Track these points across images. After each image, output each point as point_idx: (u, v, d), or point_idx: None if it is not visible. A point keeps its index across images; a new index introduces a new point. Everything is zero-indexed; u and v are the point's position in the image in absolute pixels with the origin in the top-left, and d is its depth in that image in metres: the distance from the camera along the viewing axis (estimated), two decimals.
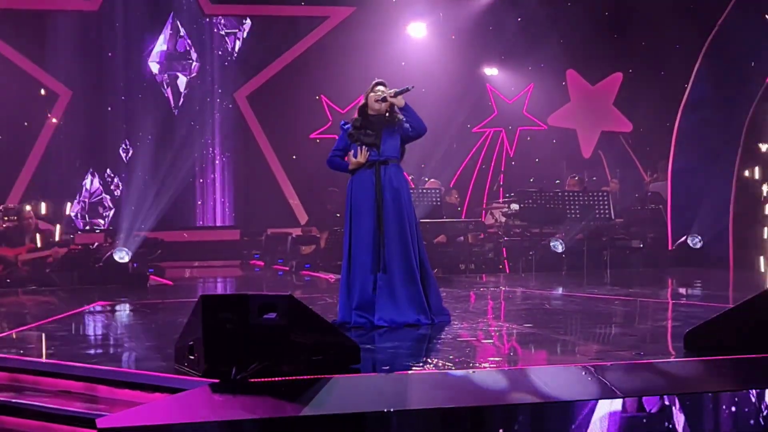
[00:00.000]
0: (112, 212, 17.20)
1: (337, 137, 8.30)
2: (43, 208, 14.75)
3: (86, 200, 17.28)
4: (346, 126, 8.12)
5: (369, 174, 7.96)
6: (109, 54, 17.31)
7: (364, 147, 7.95)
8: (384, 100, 7.96)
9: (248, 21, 17.87)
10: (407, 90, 8.01)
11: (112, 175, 17.37)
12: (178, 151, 17.95)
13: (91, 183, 17.33)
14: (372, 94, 8.02)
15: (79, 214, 17.22)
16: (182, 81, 17.72)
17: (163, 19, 17.62)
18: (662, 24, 16.72)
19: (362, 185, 7.98)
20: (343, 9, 17.63)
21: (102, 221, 17.34)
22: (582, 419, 5.15)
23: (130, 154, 17.34)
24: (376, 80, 8.15)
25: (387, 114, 8.01)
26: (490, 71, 18.06)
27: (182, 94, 17.73)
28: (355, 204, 8.01)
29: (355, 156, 7.99)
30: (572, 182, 15.93)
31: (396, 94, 7.97)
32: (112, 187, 17.36)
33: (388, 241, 7.88)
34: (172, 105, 17.72)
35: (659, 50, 17.14)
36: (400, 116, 8.00)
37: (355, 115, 8.11)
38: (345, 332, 6.41)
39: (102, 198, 17.37)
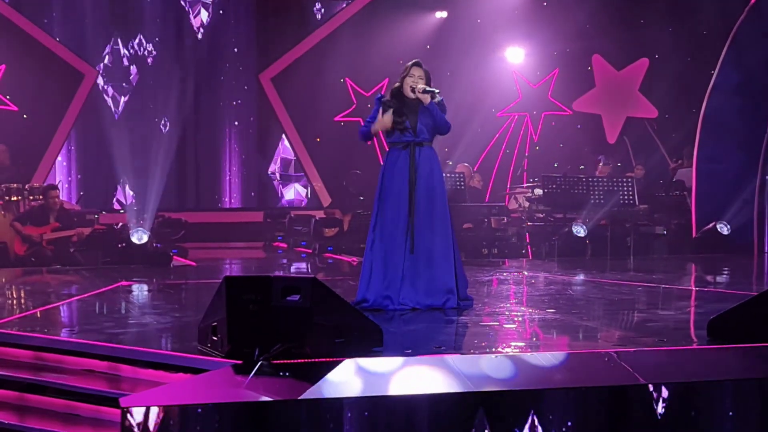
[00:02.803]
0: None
1: (361, 120, 8.26)
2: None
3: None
4: (384, 99, 8.02)
5: (403, 156, 7.92)
6: (136, 35, 17.38)
7: (389, 112, 7.85)
8: (413, 91, 7.89)
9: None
10: (434, 93, 7.88)
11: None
12: (202, 133, 18.01)
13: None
14: (408, 78, 7.93)
15: (103, 79, 17.30)
16: (203, 15, 17.72)
17: None
18: (689, 9, 16.62)
19: (395, 167, 7.91)
20: None
21: (123, 97, 17.36)
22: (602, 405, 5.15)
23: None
24: (412, 61, 8.00)
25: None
26: (516, 56, 17.99)
27: (202, 44, 17.73)
28: (386, 186, 7.93)
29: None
30: (605, 169, 15.91)
31: (424, 92, 7.87)
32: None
33: (418, 223, 7.83)
34: (195, 86, 17.77)
35: (686, 36, 17.03)
36: (438, 98, 7.90)
37: (388, 97, 8.02)
38: (367, 314, 6.42)
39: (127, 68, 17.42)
